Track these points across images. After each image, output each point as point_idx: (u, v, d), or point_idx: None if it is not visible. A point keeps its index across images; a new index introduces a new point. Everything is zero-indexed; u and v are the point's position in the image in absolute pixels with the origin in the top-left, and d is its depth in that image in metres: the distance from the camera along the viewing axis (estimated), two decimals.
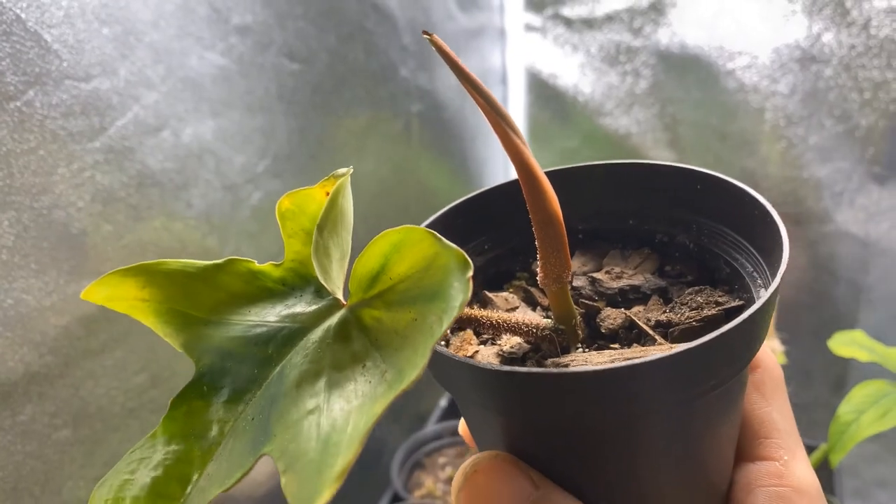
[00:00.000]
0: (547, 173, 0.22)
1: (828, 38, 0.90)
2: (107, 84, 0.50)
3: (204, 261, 0.22)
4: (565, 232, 0.22)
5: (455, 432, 0.98)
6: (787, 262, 0.22)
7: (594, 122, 1.06)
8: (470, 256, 0.18)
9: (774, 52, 0.94)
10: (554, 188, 0.22)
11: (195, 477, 0.20)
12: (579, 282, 0.27)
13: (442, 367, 0.21)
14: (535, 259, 0.23)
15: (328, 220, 0.20)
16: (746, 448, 0.25)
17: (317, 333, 0.21)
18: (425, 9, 0.85)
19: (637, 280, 0.25)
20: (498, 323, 0.23)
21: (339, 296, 0.21)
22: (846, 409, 0.59)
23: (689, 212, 0.26)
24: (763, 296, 0.20)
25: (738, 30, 0.95)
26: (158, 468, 0.20)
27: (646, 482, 0.22)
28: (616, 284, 0.26)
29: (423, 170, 0.94)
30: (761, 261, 0.24)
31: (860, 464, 1.01)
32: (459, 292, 0.17)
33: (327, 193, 0.22)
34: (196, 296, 0.22)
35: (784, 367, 0.45)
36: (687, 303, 0.24)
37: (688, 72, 1.00)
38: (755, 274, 0.24)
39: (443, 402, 1.06)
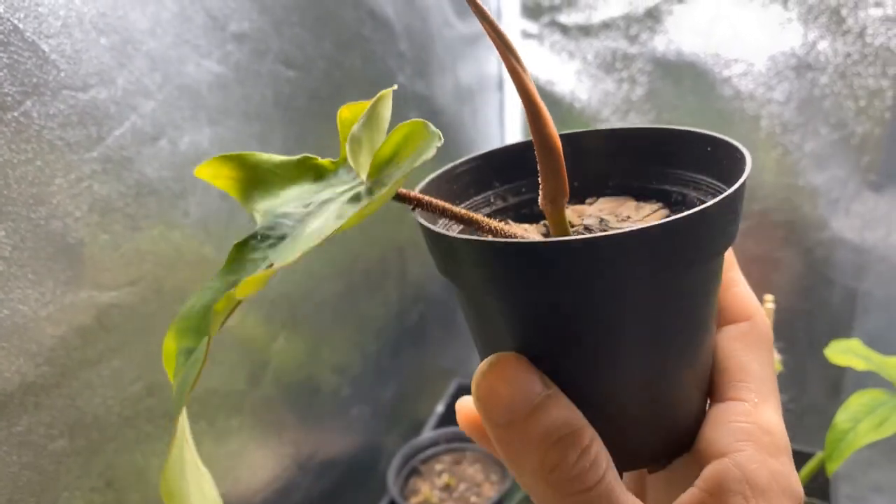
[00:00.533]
0: (578, 134, 0.26)
1: (823, 46, 0.90)
2: (104, 94, 0.50)
3: (282, 157, 0.28)
4: (562, 157, 0.24)
5: (451, 439, 0.98)
6: (749, 168, 0.23)
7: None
8: (508, 195, 0.24)
9: (770, 60, 0.94)
10: (590, 149, 0.26)
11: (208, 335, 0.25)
12: (590, 220, 0.28)
13: (446, 253, 0.24)
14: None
15: (367, 119, 0.25)
16: (720, 391, 0.25)
17: (342, 199, 0.26)
18: (422, 16, 0.85)
19: (641, 224, 0.26)
20: (496, 229, 0.25)
21: (363, 176, 0.26)
22: (843, 417, 0.59)
23: (701, 173, 0.28)
24: (732, 188, 0.22)
25: (735, 37, 0.95)
26: (213, 291, 0.25)
27: (632, 359, 0.23)
28: (620, 224, 0.27)
29: (418, 176, 0.94)
30: None
31: (855, 470, 1.01)
32: (430, 149, 0.22)
33: None
34: (272, 181, 0.28)
35: (780, 375, 0.45)
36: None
37: (684, 79, 1.00)
38: None
39: (439, 408, 1.06)
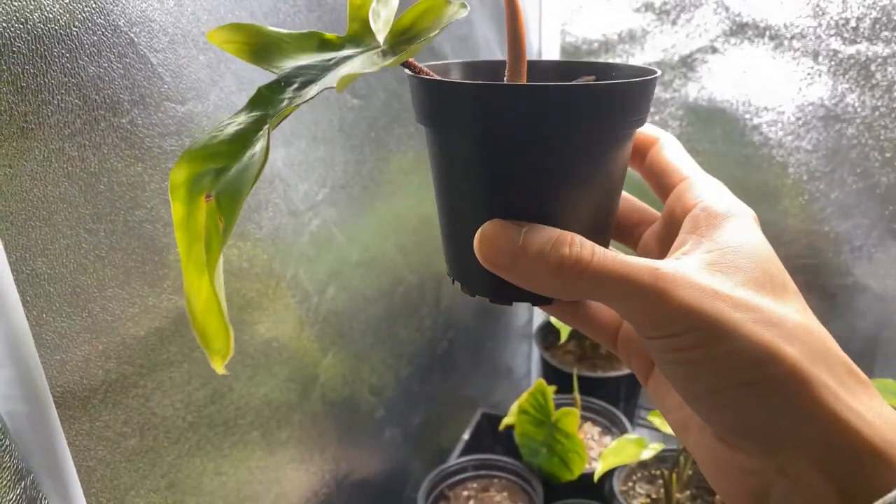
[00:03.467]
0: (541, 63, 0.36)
1: (851, 98, 0.94)
2: (199, 108, 0.53)
3: (289, 30, 0.31)
4: (525, 45, 0.31)
5: (479, 466, 0.98)
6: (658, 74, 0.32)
7: None
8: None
9: (799, 110, 0.98)
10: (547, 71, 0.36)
11: (266, 127, 0.28)
12: None
13: (431, 97, 0.31)
14: None
15: None
16: (665, 183, 0.35)
17: (364, 55, 0.30)
18: (473, 52, 0.89)
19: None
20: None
21: (380, 40, 0.30)
22: None
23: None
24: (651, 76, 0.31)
25: (765, 87, 0.99)
26: (241, 124, 0.28)
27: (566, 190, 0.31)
28: None
29: None
30: None
31: None
32: (457, 10, 0.27)
33: None
34: (284, 47, 0.30)
35: None
36: None
37: (714, 124, 1.04)
38: None
39: (465, 436, 1.07)
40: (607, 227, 0.34)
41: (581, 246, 0.28)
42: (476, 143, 0.30)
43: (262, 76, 0.58)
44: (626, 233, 0.38)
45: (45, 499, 0.38)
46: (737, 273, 0.28)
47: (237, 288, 0.60)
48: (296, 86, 0.29)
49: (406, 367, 0.93)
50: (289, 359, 0.68)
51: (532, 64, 0.35)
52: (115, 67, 0.46)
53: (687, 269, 0.28)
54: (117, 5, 0.46)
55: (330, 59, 0.30)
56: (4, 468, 0.34)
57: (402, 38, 0.28)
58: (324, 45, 0.31)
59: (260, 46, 0.29)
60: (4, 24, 0.39)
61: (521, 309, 1.28)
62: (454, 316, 1.04)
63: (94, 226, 0.47)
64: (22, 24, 0.40)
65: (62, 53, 0.43)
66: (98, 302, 0.49)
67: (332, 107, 0.68)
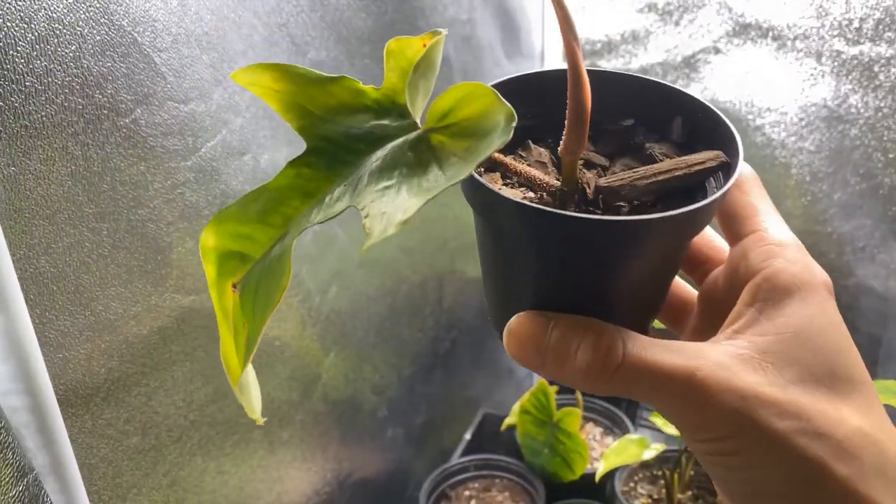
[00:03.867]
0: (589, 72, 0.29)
1: (855, 99, 0.94)
2: (202, 107, 0.53)
3: (319, 73, 0.28)
4: (588, 119, 0.28)
5: (481, 466, 0.99)
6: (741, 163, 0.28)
7: None
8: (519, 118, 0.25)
9: (802, 111, 0.98)
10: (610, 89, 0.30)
11: (295, 216, 0.28)
12: (592, 176, 0.32)
13: (484, 198, 0.28)
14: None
15: (421, 65, 0.27)
16: (734, 231, 0.31)
17: (397, 142, 0.28)
18: (476, 56, 0.89)
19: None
20: (520, 172, 0.30)
21: (418, 120, 0.28)
22: None
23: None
24: (721, 189, 0.27)
25: (768, 88, 0.99)
26: (266, 205, 0.27)
27: (628, 297, 0.29)
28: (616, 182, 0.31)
29: (459, 208, 0.97)
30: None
31: None
32: (503, 134, 0.24)
33: (424, 45, 0.28)
34: (313, 97, 0.28)
35: None
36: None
37: None
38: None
39: (467, 436, 1.07)
40: (654, 308, 0.32)
41: (609, 348, 0.26)
42: (527, 249, 0.28)
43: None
44: (692, 266, 0.35)
45: (47, 496, 0.38)
46: (790, 366, 0.25)
47: None
48: (325, 169, 0.28)
49: (408, 366, 0.93)
50: (291, 357, 0.69)
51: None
52: (118, 67, 0.47)
53: (730, 365, 0.25)
54: (121, 5, 0.46)
55: (361, 140, 0.28)
56: (7, 465, 0.35)
57: (441, 123, 0.26)
58: (361, 102, 0.28)
59: (289, 96, 0.28)
60: (9, 24, 0.39)
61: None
62: (456, 315, 1.04)
63: (97, 224, 0.47)
64: (26, 24, 0.40)
65: (66, 54, 0.43)
66: (101, 300, 0.49)
67: None
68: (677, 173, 0.29)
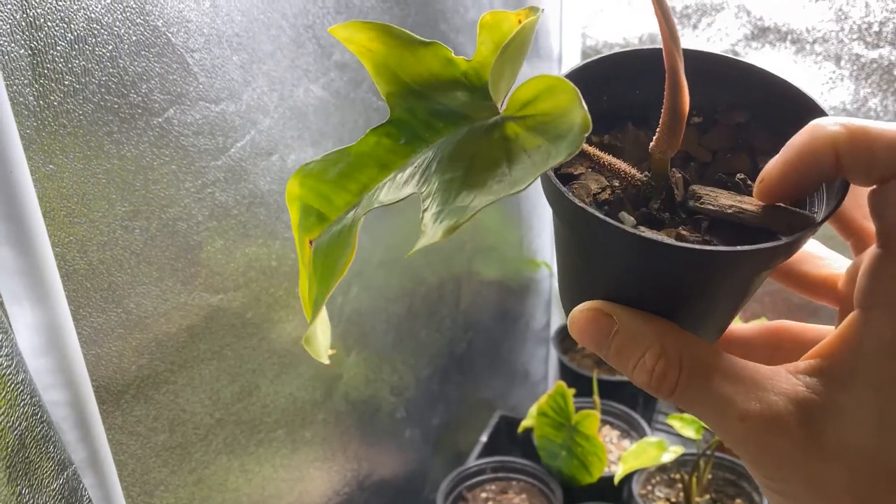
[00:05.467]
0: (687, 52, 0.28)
1: (874, 102, 0.94)
2: (232, 108, 0.54)
3: (419, 37, 0.28)
4: (684, 124, 0.27)
5: (498, 468, 0.99)
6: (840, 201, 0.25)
7: None
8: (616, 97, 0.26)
9: None
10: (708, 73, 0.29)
11: (371, 185, 0.28)
12: (693, 169, 0.31)
13: (568, 209, 0.27)
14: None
15: (510, 48, 0.26)
16: (858, 243, 0.28)
17: (475, 125, 0.28)
18: None
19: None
20: (605, 163, 0.29)
21: (499, 105, 0.27)
22: None
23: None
24: (816, 223, 0.25)
25: None
26: (345, 168, 0.28)
27: (703, 309, 0.29)
28: (713, 204, 0.29)
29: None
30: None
31: None
32: (572, 145, 0.23)
33: (519, 21, 0.27)
34: (405, 61, 0.28)
35: None
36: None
37: None
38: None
39: (483, 437, 1.07)
40: (729, 317, 0.31)
41: (666, 372, 0.25)
42: (605, 256, 0.28)
43: (292, 76, 0.59)
44: (848, 232, 0.30)
45: (85, 490, 0.38)
46: (859, 428, 0.23)
47: (266, 286, 0.61)
48: (403, 142, 0.28)
49: (426, 367, 0.93)
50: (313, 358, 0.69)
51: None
52: (153, 67, 0.47)
53: (790, 414, 0.23)
54: (156, 6, 0.46)
55: (440, 117, 0.28)
56: (48, 458, 0.35)
57: (520, 112, 0.26)
58: (446, 73, 0.28)
59: (383, 58, 0.28)
60: (50, 24, 0.40)
61: (538, 312, 1.28)
62: (473, 317, 1.04)
63: (129, 223, 0.48)
64: (66, 23, 0.41)
65: (104, 53, 0.43)
66: (132, 298, 0.50)
67: (357, 108, 0.69)
68: (763, 213, 0.27)
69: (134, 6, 0.45)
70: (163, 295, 0.52)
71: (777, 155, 0.25)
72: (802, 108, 0.28)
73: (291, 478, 0.70)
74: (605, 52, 0.32)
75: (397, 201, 0.27)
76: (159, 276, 0.51)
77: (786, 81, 0.29)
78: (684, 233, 0.27)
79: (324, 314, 0.30)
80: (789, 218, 0.27)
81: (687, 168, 0.31)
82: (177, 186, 0.51)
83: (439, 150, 0.27)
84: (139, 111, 0.47)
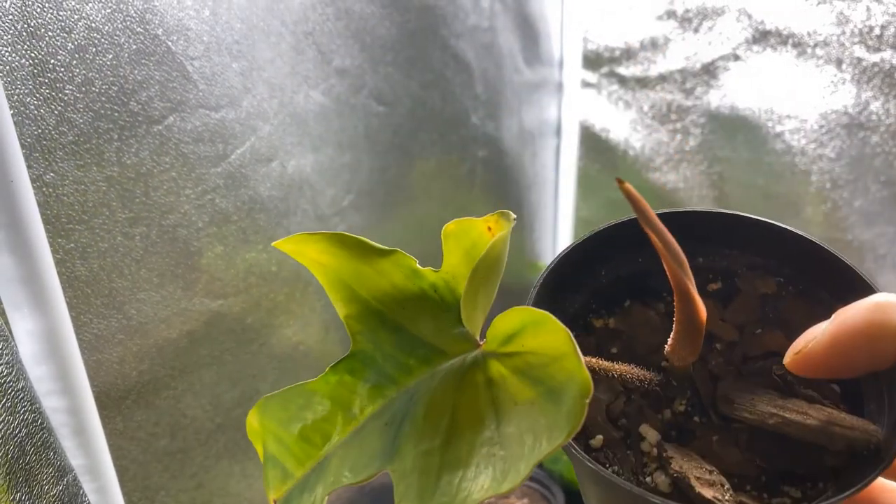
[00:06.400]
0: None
1: (875, 106, 0.94)
2: (232, 114, 0.54)
3: (377, 244, 0.25)
4: (703, 334, 0.24)
5: None
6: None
7: (643, 177, 1.10)
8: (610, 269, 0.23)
9: (822, 118, 0.98)
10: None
11: (335, 439, 0.24)
12: (719, 353, 0.27)
13: (579, 465, 0.23)
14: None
15: (482, 267, 0.22)
16: None
17: (453, 364, 0.23)
18: (497, 62, 0.89)
19: (789, 416, 0.24)
20: (617, 374, 0.25)
21: (477, 336, 0.24)
22: None
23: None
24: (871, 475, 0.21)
25: (788, 94, 0.99)
26: (306, 413, 0.24)
27: None
28: (756, 411, 0.25)
29: (481, 213, 0.98)
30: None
31: None
32: (572, 418, 0.19)
33: (489, 228, 0.24)
34: (362, 276, 0.24)
35: None
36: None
37: (737, 132, 1.04)
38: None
39: None
40: None
41: None
42: None
43: (292, 83, 0.59)
44: None
45: (85, 496, 0.39)
46: None
47: (266, 292, 0.61)
48: (370, 383, 0.24)
49: None
50: (314, 362, 0.69)
51: (683, 218, 0.27)
52: (153, 75, 0.48)
53: None
54: (156, 15, 0.47)
55: (411, 354, 0.24)
56: (48, 464, 0.35)
57: (503, 348, 0.22)
58: (412, 286, 0.24)
59: (337, 273, 0.24)
60: (50, 34, 0.40)
61: None
62: None
63: (130, 230, 0.48)
64: (67, 33, 0.41)
65: (104, 62, 0.44)
66: (133, 304, 0.50)
67: (357, 113, 0.69)
68: (813, 426, 0.23)
69: (134, 15, 0.45)
70: (163, 301, 0.52)
71: (825, 322, 0.22)
72: (843, 276, 0.25)
73: None
74: (600, 226, 0.29)
75: (367, 479, 0.24)
76: (160, 282, 0.51)
77: (816, 244, 0.26)
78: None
79: None
80: (845, 432, 0.22)
81: (711, 351, 0.27)
82: (177, 193, 0.51)
83: (412, 402, 0.23)
84: (139, 119, 0.47)
